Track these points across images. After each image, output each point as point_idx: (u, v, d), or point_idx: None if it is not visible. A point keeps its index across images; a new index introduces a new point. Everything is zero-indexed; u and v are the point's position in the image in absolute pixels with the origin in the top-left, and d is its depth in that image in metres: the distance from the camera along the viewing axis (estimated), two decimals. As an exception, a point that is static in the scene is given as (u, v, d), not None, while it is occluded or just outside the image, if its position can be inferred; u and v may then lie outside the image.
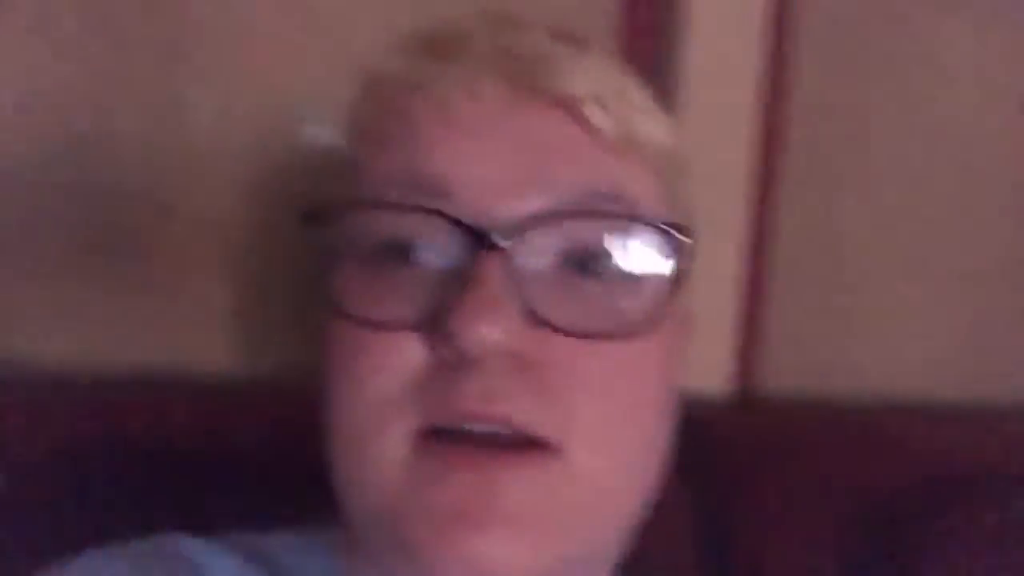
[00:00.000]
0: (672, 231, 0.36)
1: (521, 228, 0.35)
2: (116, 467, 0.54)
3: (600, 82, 0.38)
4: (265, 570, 0.40)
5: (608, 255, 0.36)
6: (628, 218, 0.37)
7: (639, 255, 0.36)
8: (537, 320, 0.35)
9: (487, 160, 0.36)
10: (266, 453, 0.55)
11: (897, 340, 0.89)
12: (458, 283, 0.34)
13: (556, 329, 0.35)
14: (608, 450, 0.36)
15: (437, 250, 0.36)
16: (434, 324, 0.35)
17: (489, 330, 0.33)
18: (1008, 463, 0.72)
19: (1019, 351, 0.89)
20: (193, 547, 0.40)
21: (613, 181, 0.37)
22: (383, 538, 0.37)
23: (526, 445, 0.35)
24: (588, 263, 0.36)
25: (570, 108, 0.37)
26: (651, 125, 0.39)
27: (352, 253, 0.37)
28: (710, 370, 0.82)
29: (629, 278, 0.37)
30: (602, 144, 0.37)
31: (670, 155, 0.40)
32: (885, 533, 0.65)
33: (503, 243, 0.34)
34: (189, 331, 0.68)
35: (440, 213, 0.35)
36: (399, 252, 0.36)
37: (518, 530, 0.34)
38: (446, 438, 0.35)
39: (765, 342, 0.85)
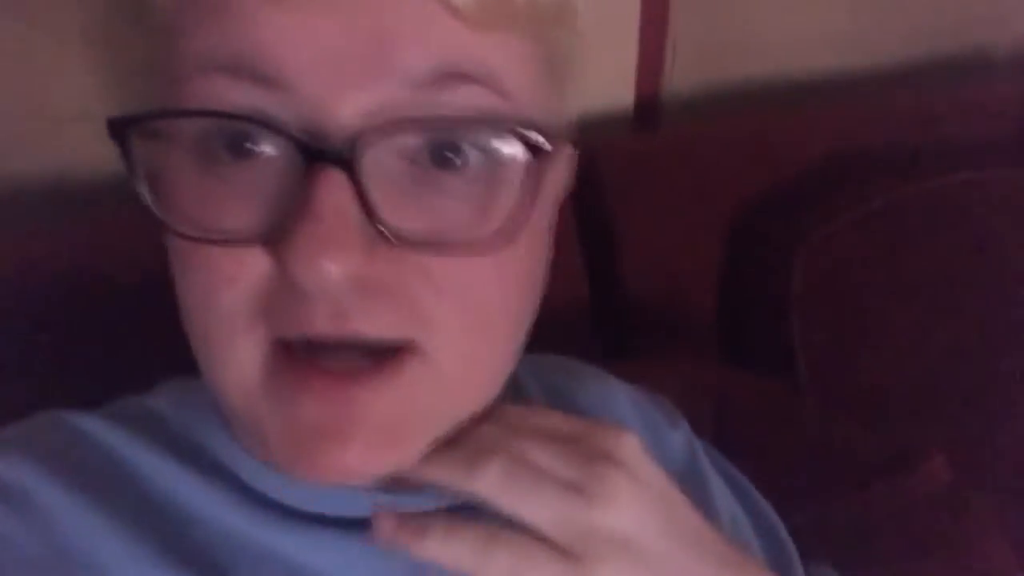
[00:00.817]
0: (531, 130, 0.32)
1: (361, 134, 0.31)
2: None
3: None
4: (156, 435, 0.40)
5: (463, 149, 0.32)
6: (479, 117, 0.32)
7: (498, 148, 0.33)
8: (385, 239, 0.32)
9: (318, 42, 0.31)
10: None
11: (800, 14, 0.88)
12: (296, 196, 0.31)
13: (407, 245, 0.32)
14: (468, 350, 0.34)
15: (273, 144, 0.32)
16: (274, 239, 0.32)
17: (329, 267, 0.30)
18: (900, 135, 0.75)
19: (917, 15, 0.90)
20: (83, 424, 0.39)
21: (471, 58, 0.32)
22: (246, 433, 0.38)
23: (381, 352, 0.33)
24: (441, 157, 0.33)
25: None
26: None
27: (175, 151, 0.33)
28: (615, 80, 0.81)
29: (489, 172, 0.33)
30: (460, 16, 0.32)
31: (553, 13, 0.35)
32: (761, 231, 0.68)
33: (341, 155, 0.31)
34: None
35: (269, 125, 0.31)
36: (229, 145, 0.32)
37: (376, 440, 0.33)
38: (300, 352, 0.33)
39: (669, 38, 0.85)
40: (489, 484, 0.35)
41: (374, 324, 0.33)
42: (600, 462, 0.35)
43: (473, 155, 0.33)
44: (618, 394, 0.50)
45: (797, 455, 0.54)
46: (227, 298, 0.33)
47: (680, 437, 0.50)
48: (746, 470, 0.50)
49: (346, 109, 0.32)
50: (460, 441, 0.36)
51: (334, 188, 0.31)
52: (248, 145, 0.32)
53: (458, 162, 0.33)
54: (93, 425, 0.40)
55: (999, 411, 0.62)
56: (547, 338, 0.48)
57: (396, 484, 0.37)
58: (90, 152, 0.62)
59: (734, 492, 0.50)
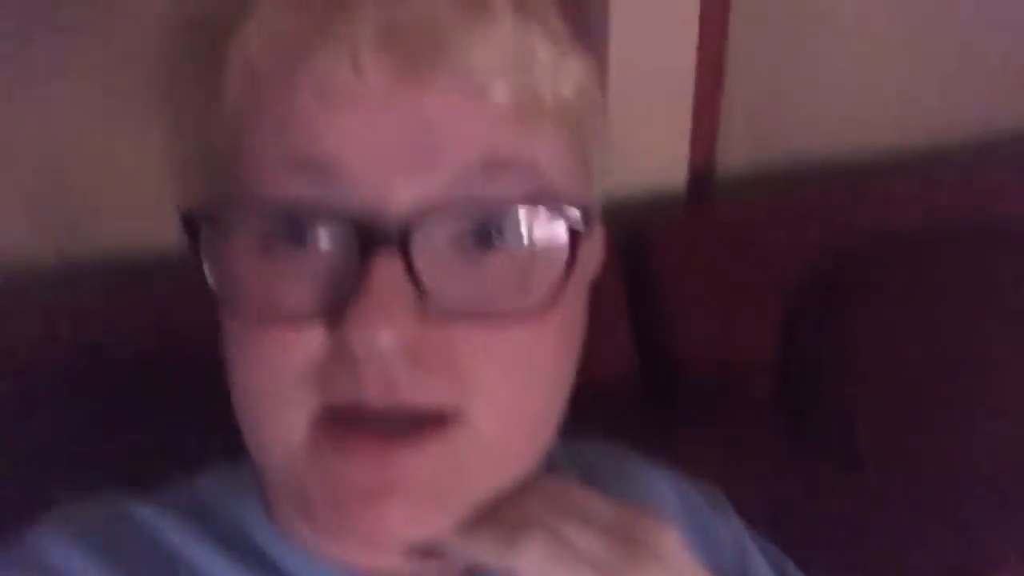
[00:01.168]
0: (569, 211, 0.35)
1: (413, 220, 0.33)
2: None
3: (499, 50, 0.35)
4: (201, 522, 0.41)
5: (506, 230, 0.35)
6: (520, 201, 0.35)
7: (538, 229, 0.35)
8: (434, 310, 0.34)
9: (373, 140, 0.34)
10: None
11: (855, 92, 0.89)
12: (352, 276, 0.33)
13: (454, 316, 0.34)
14: (509, 416, 0.36)
15: (330, 232, 0.35)
16: (331, 315, 0.34)
17: (383, 334, 0.32)
18: (957, 211, 0.74)
19: (963, 92, 0.90)
20: (142, 514, 0.41)
21: (511, 150, 0.35)
22: (290, 503, 0.39)
23: (426, 418, 0.35)
24: (486, 237, 0.35)
25: (464, 82, 0.34)
26: (559, 84, 0.36)
27: (237, 240, 0.36)
28: (667, 160, 0.82)
29: (529, 250, 0.35)
30: (499, 113, 0.35)
31: (581, 106, 0.38)
32: (820, 299, 0.68)
33: (395, 236, 0.33)
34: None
35: (327, 211, 0.34)
36: (289, 234, 0.35)
37: (421, 505, 0.34)
38: (346, 418, 0.35)
39: (723, 118, 0.86)
40: (529, 561, 0.35)
41: (421, 392, 0.35)
42: (638, 553, 0.36)
43: (513, 234, 0.35)
44: (662, 483, 0.49)
45: (854, 553, 0.53)
46: (282, 371, 0.35)
47: (728, 530, 0.49)
48: (801, 565, 0.49)
49: (399, 198, 0.34)
50: (499, 513, 0.37)
51: (388, 267, 0.33)
52: (306, 235, 0.35)
53: (499, 242, 0.35)
54: (146, 513, 0.42)
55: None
56: (598, 415, 0.48)
57: (427, 565, 0.38)
58: (145, 231, 0.65)
59: None
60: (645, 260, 0.71)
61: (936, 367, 0.62)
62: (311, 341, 0.35)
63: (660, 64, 0.77)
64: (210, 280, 0.36)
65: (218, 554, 0.40)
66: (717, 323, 0.70)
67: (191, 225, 0.36)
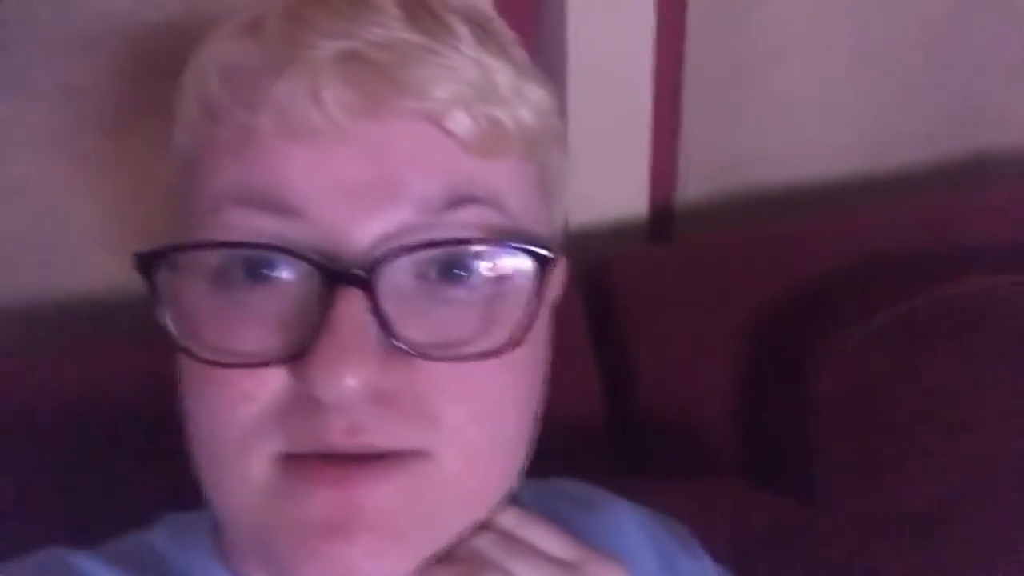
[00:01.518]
0: (533, 245, 0.35)
1: (376, 257, 0.33)
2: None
3: (461, 81, 0.34)
4: (150, 574, 0.40)
5: (471, 265, 0.35)
6: (484, 235, 0.35)
7: (503, 263, 0.35)
8: (400, 351, 0.33)
9: (335, 174, 0.33)
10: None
11: (809, 122, 0.91)
12: (315, 316, 0.33)
13: (419, 356, 0.34)
14: (476, 453, 0.36)
15: (289, 270, 0.34)
16: (293, 356, 0.33)
17: (348, 380, 0.32)
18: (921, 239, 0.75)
19: (923, 120, 0.92)
20: (81, 564, 0.40)
21: (475, 182, 0.35)
22: (251, 548, 0.38)
23: (391, 454, 0.34)
24: (450, 272, 0.35)
25: (425, 114, 0.34)
26: (520, 113, 0.36)
27: (192, 280, 0.35)
28: (626, 190, 0.82)
29: (494, 285, 0.35)
30: (462, 144, 0.35)
31: (543, 136, 0.38)
32: (781, 341, 0.68)
33: (358, 275, 0.33)
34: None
35: (286, 248, 0.33)
36: (246, 273, 0.34)
37: (385, 538, 0.34)
38: (308, 456, 0.34)
39: (681, 149, 0.87)
40: None
41: (387, 437, 0.34)
42: None
43: (478, 268, 0.35)
44: (629, 520, 0.49)
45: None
46: (243, 414, 0.34)
47: (697, 566, 0.49)
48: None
49: (363, 234, 0.34)
50: (454, 552, 0.37)
51: (352, 306, 0.33)
52: (266, 271, 0.34)
53: (464, 276, 0.35)
54: (91, 565, 0.40)
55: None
56: (561, 451, 0.48)
57: None
58: (104, 276, 0.64)
59: None
60: (607, 292, 0.71)
61: (900, 400, 0.62)
62: (271, 383, 0.34)
63: (616, 94, 0.77)
64: (167, 324, 0.35)
65: None
66: (680, 355, 0.69)
67: (146, 266, 0.35)
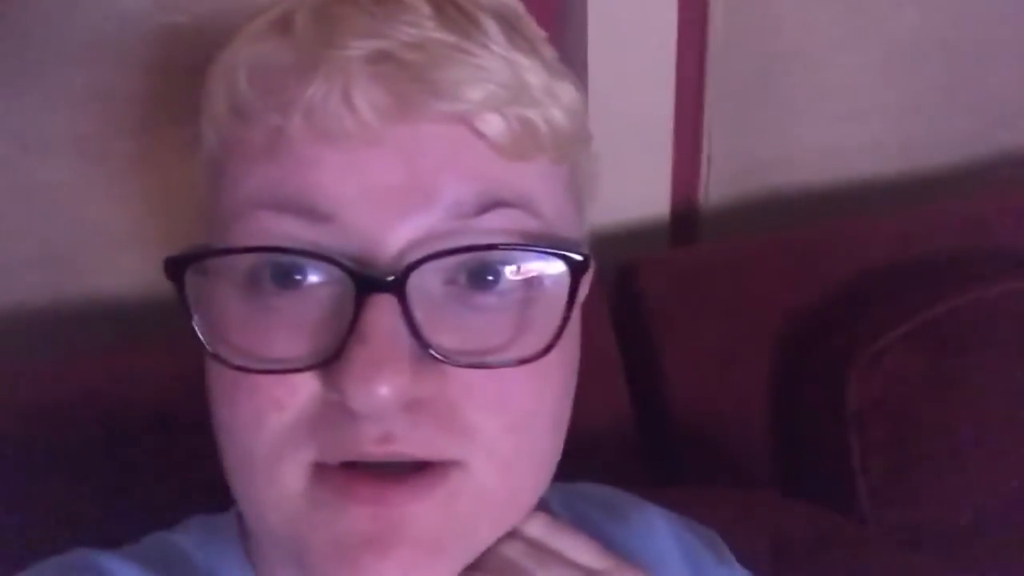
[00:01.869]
0: (567, 250, 0.34)
1: (408, 263, 0.32)
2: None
3: (492, 81, 0.33)
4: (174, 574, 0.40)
5: (502, 270, 0.34)
6: (517, 239, 0.34)
7: (536, 269, 0.35)
8: (432, 358, 0.33)
9: (366, 179, 0.33)
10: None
11: (835, 123, 0.89)
12: (347, 323, 0.32)
13: (451, 363, 0.33)
14: (510, 462, 0.35)
15: (320, 275, 0.34)
16: (326, 364, 0.33)
17: (381, 389, 0.31)
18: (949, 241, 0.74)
19: (953, 121, 0.91)
20: (106, 563, 0.40)
21: (507, 185, 0.34)
22: (285, 557, 0.37)
23: (427, 467, 0.34)
24: (481, 278, 0.34)
25: (457, 116, 0.33)
26: (552, 114, 0.35)
27: (223, 284, 0.34)
28: (651, 194, 0.81)
29: (526, 292, 0.35)
30: (496, 149, 0.34)
31: (574, 136, 0.37)
32: (814, 347, 0.66)
33: (390, 281, 0.32)
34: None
35: (323, 257, 0.33)
36: (276, 278, 0.33)
37: (422, 552, 0.33)
38: (344, 467, 0.34)
39: (704, 152, 0.86)
40: None
41: (420, 446, 0.34)
42: None
43: (508, 273, 0.34)
44: (659, 526, 0.48)
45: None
46: (275, 422, 0.34)
47: (725, 573, 0.48)
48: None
49: (395, 239, 0.33)
50: (483, 561, 0.36)
51: (384, 313, 0.32)
52: (297, 276, 0.34)
53: (494, 281, 0.34)
54: (118, 566, 0.40)
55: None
56: (591, 460, 0.47)
57: None
58: (131, 277, 0.64)
59: None
60: (633, 295, 0.70)
61: (940, 407, 0.61)
62: (302, 391, 0.34)
63: (638, 94, 0.76)
64: (197, 329, 0.34)
65: None
66: (710, 361, 0.68)
67: (175, 270, 0.34)
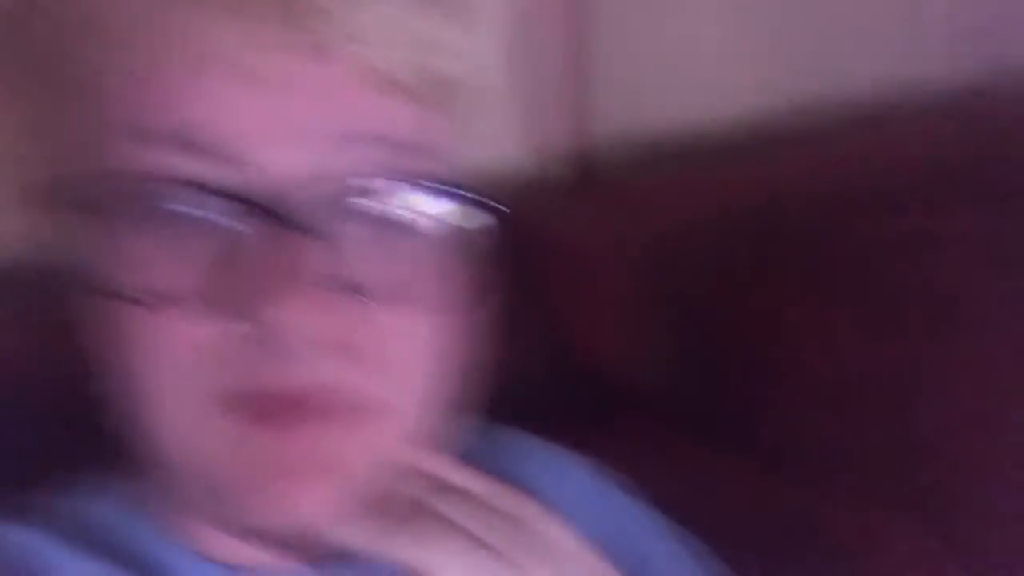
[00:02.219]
0: (466, 194, 0.37)
1: (318, 202, 0.34)
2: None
3: (399, 28, 0.35)
4: (79, 537, 0.40)
5: (406, 212, 0.36)
6: (422, 188, 0.36)
7: (438, 211, 0.37)
8: (344, 295, 0.34)
9: (275, 119, 0.34)
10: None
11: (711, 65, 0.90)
12: (259, 260, 0.33)
13: (364, 299, 0.35)
14: (416, 398, 0.37)
15: (228, 211, 0.34)
16: (234, 299, 0.33)
17: (295, 322, 0.33)
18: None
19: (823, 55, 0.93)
20: (17, 538, 0.39)
21: (414, 129, 0.36)
22: (197, 492, 0.38)
23: (336, 397, 0.35)
24: (390, 217, 0.36)
25: (364, 60, 0.34)
26: (454, 58, 0.37)
27: (109, 219, 0.34)
28: (536, 139, 0.81)
29: (426, 232, 0.37)
30: (401, 91, 0.35)
31: (466, 81, 0.38)
32: (712, 279, 0.68)
33: (304, 220, 0.33)
34: None
35: (226, 190, 0.33)
36: (178, 213, 0.34)
37: (332, 480, 0.35)
38: (258, 399, 0.35)
39: (591, 95, 0.85)
40: (439, 559, 0.35)
41: (331, 378, 0.35)
42: (523, 537, 0.37)
43: (415, 216, 0.36)
44: (570, 471, 0.50)
45: (770, 537, 0.53)
46: (181, 358, 0.34)
47: (644, 518, 0.50)
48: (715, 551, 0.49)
49: (304, 179, 0.34)
50: (385, 498, 0.37)
51: (297, 250, 0.33)
52: (189, 210, 0.34)
53: (402, 222, 0.36)
54: (27, 538, 0.39)
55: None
56: (502, 407, 0.47)
57: (325, 558, 0.38)
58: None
59: (699, 569, 0.49)
60: (528, 240, 0.68)
61: (826, 346, 0.63)
62: (207, 323, 0.34)
63: (522, 38, 0.75)
64: (82, 265, 0.34)
65: (102, 567, 0.39)
66: (608, 306, 0.69)
67: (57, 203, 0.34)
